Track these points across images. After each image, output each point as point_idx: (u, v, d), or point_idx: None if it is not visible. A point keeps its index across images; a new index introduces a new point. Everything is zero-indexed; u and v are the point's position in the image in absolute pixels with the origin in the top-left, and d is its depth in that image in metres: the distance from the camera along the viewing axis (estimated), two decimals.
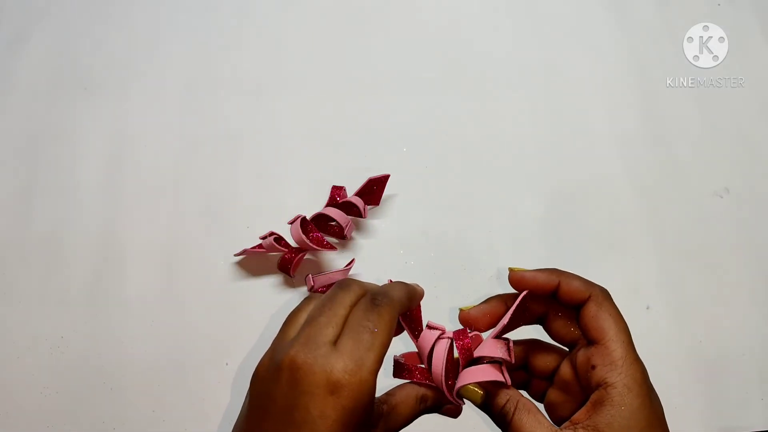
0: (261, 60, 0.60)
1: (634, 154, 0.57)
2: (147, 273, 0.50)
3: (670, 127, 0.58)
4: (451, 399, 0.32)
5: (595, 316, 0.29)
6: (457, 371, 0.32)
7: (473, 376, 0.31)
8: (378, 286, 0.32)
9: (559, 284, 0.31)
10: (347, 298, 0.30)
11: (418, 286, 0.34)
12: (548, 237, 0.53)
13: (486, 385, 0.31)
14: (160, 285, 0.49)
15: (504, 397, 0.30)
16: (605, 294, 0.31)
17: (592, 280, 0.31)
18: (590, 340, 0.30)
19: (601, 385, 0.28)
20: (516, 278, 0.32)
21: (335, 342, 0.27)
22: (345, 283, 0.31)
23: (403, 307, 0.31)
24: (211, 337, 0.48)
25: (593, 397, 0.28)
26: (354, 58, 0.60)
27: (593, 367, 0.28)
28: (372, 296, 0.30)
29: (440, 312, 0.49)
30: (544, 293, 0.31)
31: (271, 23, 0.62)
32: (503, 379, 0.30)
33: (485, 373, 0.30)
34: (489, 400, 0.31)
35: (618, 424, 0.27)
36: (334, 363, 0.26)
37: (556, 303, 0.32)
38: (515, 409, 0.29)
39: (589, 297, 0.30)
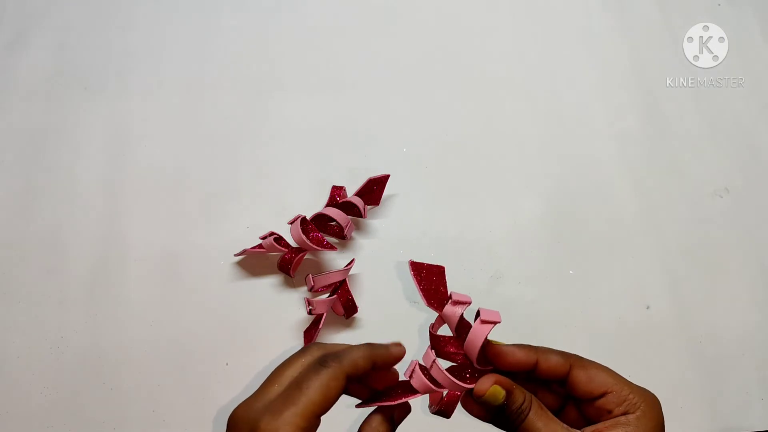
0: (261, 60, 0.60)
1: (634, 154, 0.57)
2: (147, 273, 0.50)
3: (670, 127, 0.58)
4: (479, 367, 0.32)
5: (589, 378, 0.31)
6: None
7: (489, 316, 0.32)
8: (344, 347, 0.32)
9: (537, 362, 0.32)
10: (301, 360, 0.31)
11: (396, 346, 0.32)
12: (548, 237, 0.53)
13: (504, 385, 0.31)
14: (160, 285, 0.49)
15: (521, 396, 0.31)
16: (581, 357, 0.32)
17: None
18: (595, 398, 0.31)
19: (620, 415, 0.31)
20: (494, 353, 0.32)
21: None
22: (306, 346, 0.32)
23: (356, 369, 0.30)
24: (211, 337, 0.48)
25: (610, 423, 0.30)
26: (354, 58, 0.60)
27: (609, 411, 0.31)
28: (321, 357, 0.30)
29: None
30: (521, 370, 0.32)
31: (271, 23, 0.62)
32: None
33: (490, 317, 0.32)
34: (506, 399, 0.31)
35: None
36: (259, 418, 0.27)
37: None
38: (530, 408, 0.31)
39: (571, 366, 0.32)
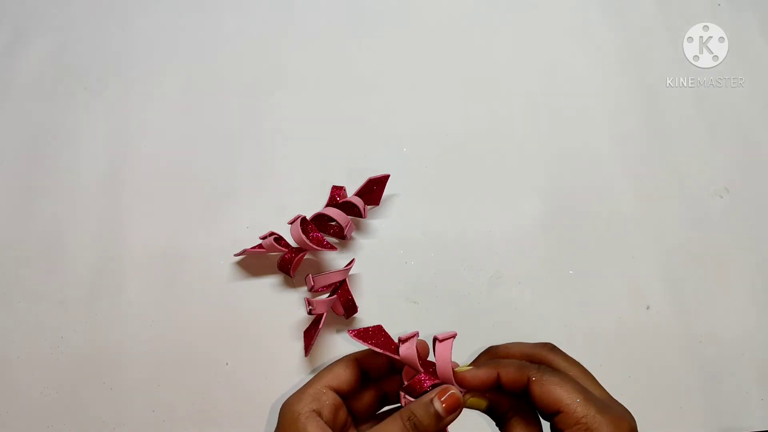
0: (261, 60, 0.60)
1: (634, 154, 0.57)
2: (147, 273, 0.50)
3: (670, 127, 0.58)
4: (457, 386, 0.34)
5: (543, 394, 0.30)
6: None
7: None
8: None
9: (498, 376, 0.33)
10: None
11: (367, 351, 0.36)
12: (548, 237, 0.53)
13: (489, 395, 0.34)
14: (160, 285, 0.49)
15: (504, 404, 0.33)
16: (542, 367, 0.32)
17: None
18: (553, 414, 0.30)
19: None
20: (459, 378, 0.33)
21: None
22: None
23: (364, 355, 0.36)
24: (211, 337, 0.48)
25: None
26: (354, 58, 0.60)
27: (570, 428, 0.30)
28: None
29: (440, 312, 0.49)
30: (490, 388, 0.33)
31: (271, 23, 0.62)
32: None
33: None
34: (492, 405, 0.34)
35: None
36: (288, 401, 0.34)
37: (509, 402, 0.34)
38: (513, 417, 0.33)
39: (528, 379, 0.31)
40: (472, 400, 0.34)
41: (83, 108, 0.57)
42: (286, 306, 0.49)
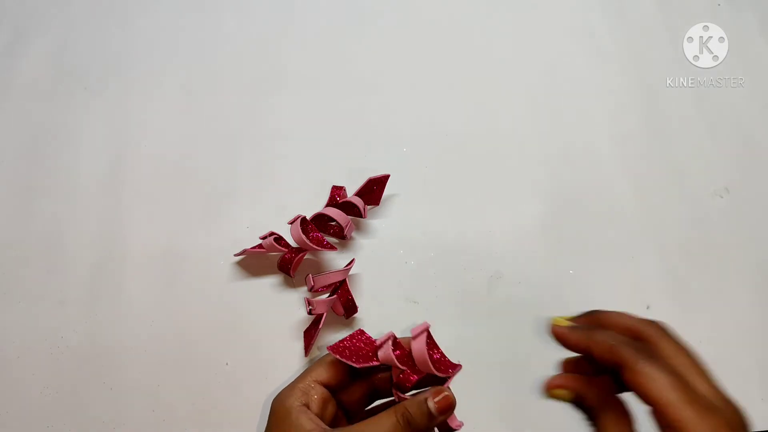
0: (261, 60, 0.60)
1: (634, 154, 0.57)
2: (147, 273, 0.50)
3: (670, 127, 0.58)
4: (440, 374, 0.34)
5: (634, 385, 0.27)
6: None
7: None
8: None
9: (589, 347, 0.30)
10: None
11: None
12: (548, 237, 0.53)
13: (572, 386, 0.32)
14: (160, 285, 0.49)
15: (592, 398, 0.31)
16: (640, 351, 0.28)
17: (644, 317, 0.30)
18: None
19: None
20: (552, 331, 0.32)
21: None
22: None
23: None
24: (211, 337, 0.48)
25: None
26: (354, 58, 0.60)
27: (667, 427, 0.27)
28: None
29: (440, 312, 0.49)
30: (581, 353, 0.31)
31: (271, 24, 0.62)
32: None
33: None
34: (579, 399, 0.32)
35: None
36: (279, 396, 0.35)
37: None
38: (603, 412, 0.30)
39: (622, 363, 0.28)
40: (557, 391, 0.32)
41: (83, 108, 0.57)
42: (286, 306, 0.49)
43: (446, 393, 0.32)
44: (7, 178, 0.54)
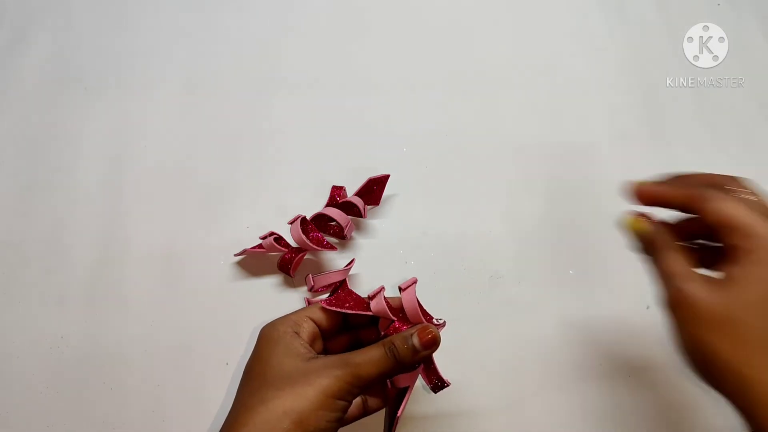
0: (261, 60, 0.60)
1: (634, 154, 0.57)
2: (147, 273, 0.50)
3: (670, 127, 0.58)
4: (431, 323, 0.37)
5: (713, 210, 0.28)
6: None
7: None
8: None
9: (674, 196, 0.31)
10: None
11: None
12: (548, 237, 0.53)
13: None
14: (160, 285, 0.49)
15: (659, 233, 0.32)
16: (721, 191, 0.29)
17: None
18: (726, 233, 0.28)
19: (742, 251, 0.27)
20: (639, 190, 0.33)
21: None
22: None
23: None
24: (211, 337, 0.48)
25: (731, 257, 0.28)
26: (354, 58, 0.60)
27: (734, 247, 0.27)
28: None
29: (440, 312, 0.49)
30: (662, 206, 0.32)
31: (271, 23, 0.62)
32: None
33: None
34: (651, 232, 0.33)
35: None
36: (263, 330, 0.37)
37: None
38: (665, 247, 0.31)
39: (699, 197, 0.29)
40: (633, 220, 0.33)
41: (83, 108, 0.57)
42: (286, 306, 0.49)
43: (431, 330, 0.35)
44: (7, 178, 0.54)
